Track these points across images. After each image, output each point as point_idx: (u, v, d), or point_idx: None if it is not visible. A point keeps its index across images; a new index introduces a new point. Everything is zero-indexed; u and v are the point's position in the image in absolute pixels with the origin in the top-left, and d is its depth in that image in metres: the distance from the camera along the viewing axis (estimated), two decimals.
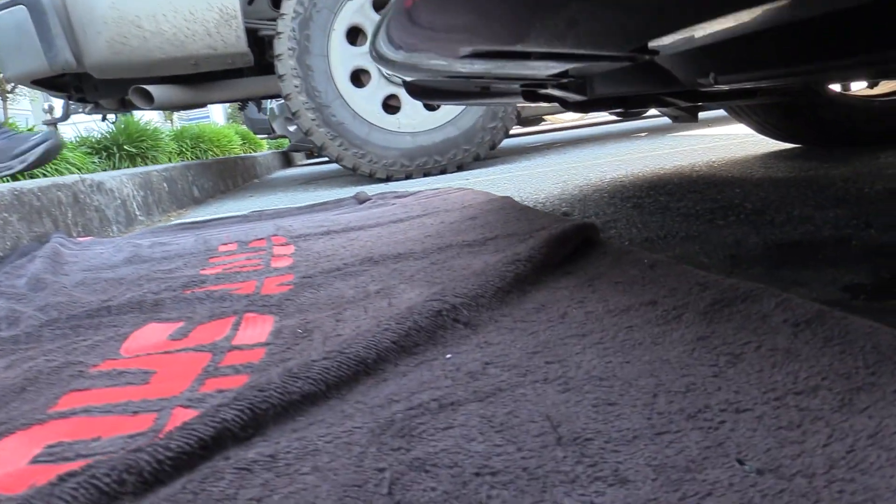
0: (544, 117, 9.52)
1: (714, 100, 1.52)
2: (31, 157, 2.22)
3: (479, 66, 0.76)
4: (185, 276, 1.15)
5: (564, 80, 1.18)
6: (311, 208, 2.04)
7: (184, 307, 0.92)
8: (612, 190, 1.76)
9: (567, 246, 0.83)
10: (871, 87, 1.88)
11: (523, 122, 8.95)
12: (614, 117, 7.65)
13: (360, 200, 1.98)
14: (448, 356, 0.56)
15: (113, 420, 0.56)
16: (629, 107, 1.56)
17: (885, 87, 1.88)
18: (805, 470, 0.32)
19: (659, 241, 1.06)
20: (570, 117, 9.53)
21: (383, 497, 0.36)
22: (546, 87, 1.35)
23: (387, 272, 0.95)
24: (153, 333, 0.82)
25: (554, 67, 0.77)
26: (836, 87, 1.92)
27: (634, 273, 0.72)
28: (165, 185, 3.13)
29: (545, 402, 0.45)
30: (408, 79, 1.17)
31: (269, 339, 0.72)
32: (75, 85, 3.58)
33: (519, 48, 0.67)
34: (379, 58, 0.94)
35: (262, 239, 1.56)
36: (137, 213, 2.70)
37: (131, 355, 0.74)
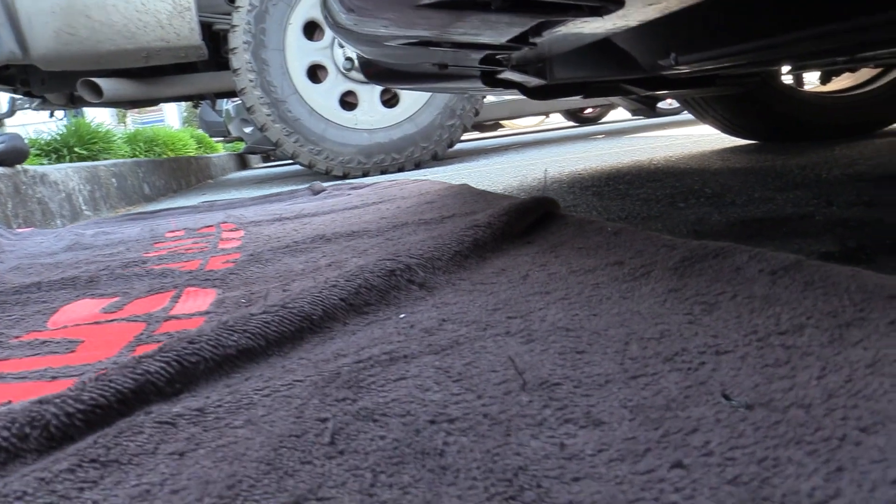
0: (503, 123, 9.55)
1: (674, 87, 1.51)
2: None
3: (436, 20, 0.72)
4: (126, 259, 1.08)
5: (521, 54, 1.15)
6: (265, 199, 1.98)
7: (121, 283, 0.86)
8: (572, 181, 1.74)
9: (528, 217, 0.80)
10: (823, 83, 1.90)
11: (482, 128, 8.97)
12: (573, 123, 7.71)
13: (315, 191, 1.92)
14: (402, 315, 0.52)
15: (28, 386, 0.50)
16: (590, 94, 1.54)
17: (837, 83, 1.90)
18: (800, 401, 0.29)
19: (620, 222, 1.04)
20: (530, 122, 9.57)
21: (324, 447, 0.32)
22: (505, 70, 1.31)
23: (339, 248, 0.90)
24: (85, 308, 0.76)
25: (515, 23, 0.73)
26: (789, 82, 1.94)
27: (598, 240, 0.69)
28: (114, 180, 3.03)
29: (507, 352, 0.41)
30: (362, 53, 1.13)
31: (209, 308, 0.67)
32: (21, 78, 3.45)
33: None
34: (333, 24, 0.89)
35: (211, 226, 1.49)
36: (83, 207, 2.60)
37: (58, 327, 0.67)
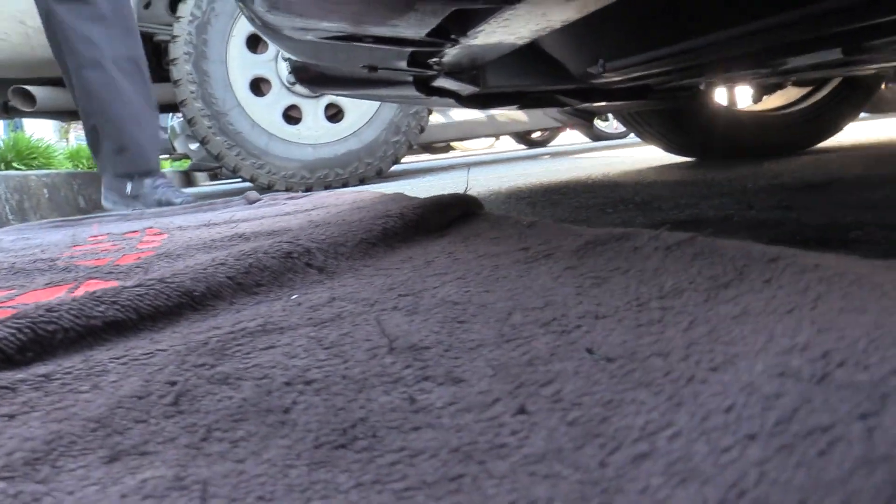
0: (454, 146, 9.59)
1: (607, 98, 1.52)
2: None
3: (347, 7, 0.70)
4: (37, 259, 1.03)
5: (453, 60, 1.15)
6: (197, 207, 1.93)
7: (20, 278, 0.82)
8: (509, 193, 1.74)
9: (445, 212, 0.78)
10: (755, 101, 1.95)
11: (432, 150, 8.98)
12: (523, 146, 7.79)
13: (251, 200, 1.88)
14: (294, 296, 0.50)
15: None
16: (525, 105, 1.54)
17: (769, 102, 1.95)
18: (661, 352, 0.28)
19: None
20: (481, 145, 9.63)
21: (165, 407, 0.29)
22: (438, 77, 1.31)
23: (255, 245, 0.87)
24: None
25: (426, 10, 0.72)
26: (723, 102, 1.98)
27: (511, 231, 0.68)
28: (46, 191, 2.93)
29: (388, 324, 0.39)
30: (287, 52, 1.11)
31: None
32: None
33: None
34: (251, 18, 0.87)
35: (136, 231, 1.44)
36: (10, 216, 2.50)
37: None
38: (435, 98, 1.48)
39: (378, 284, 0.51)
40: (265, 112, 3.01)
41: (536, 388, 0.26)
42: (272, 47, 3.03)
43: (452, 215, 0.81)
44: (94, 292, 0.43)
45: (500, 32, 0.91)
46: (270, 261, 0.53)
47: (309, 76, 1.41)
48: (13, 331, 0.37)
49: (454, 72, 1.29)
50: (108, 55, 2.28)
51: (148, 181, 2.43)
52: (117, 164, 2.42)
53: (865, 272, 0.29)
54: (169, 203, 2.31)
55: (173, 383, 0.32)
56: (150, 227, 1.46)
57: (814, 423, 0.18)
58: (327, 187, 3.03)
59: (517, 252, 0.56)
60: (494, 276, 0.49)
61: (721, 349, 0.25)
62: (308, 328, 0.40)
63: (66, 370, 0.35)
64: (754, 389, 0.21)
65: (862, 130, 2.99)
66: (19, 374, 0.35)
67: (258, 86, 3.05)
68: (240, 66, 2.98)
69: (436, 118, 5.47)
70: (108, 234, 1.44)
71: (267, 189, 3.02)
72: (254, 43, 2.99)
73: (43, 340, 0.38)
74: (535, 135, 7.52)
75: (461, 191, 1.18)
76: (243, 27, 2.94)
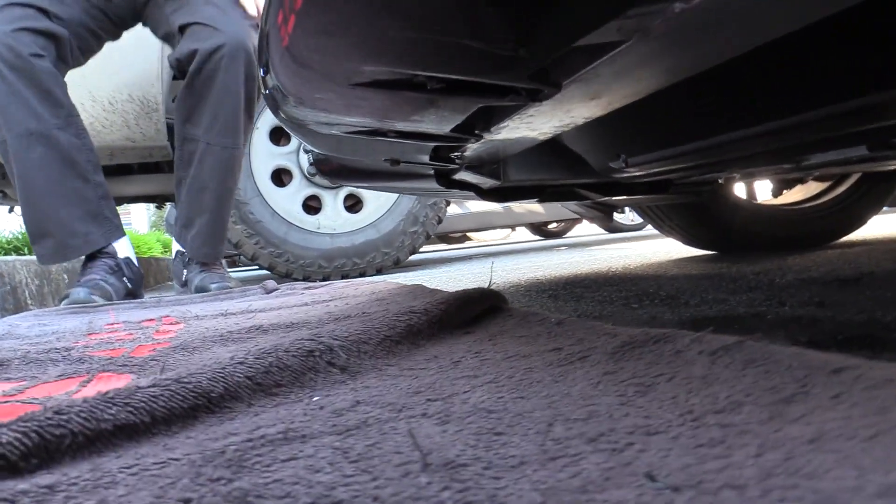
0: (470, 236, 9.67)
1: (628, 192, 1.52)
2: None
3: (373, 103, 0.71)
4: (50, 346, 1.01)
5: (475, 154, 1.15)
6: (215, 296, 1.92)
7: (33, 368, 0.80)
8: (529, 286, 1.72)
9: (469, 308, 0.76)
10: (775, 196, 1.94)
11: (449, 240, 9.05)
12: (538, 237, 7.83)
13: (268, 290, 1.87)
14: (315, 398, 0.47)
15: None
16: (545, 198, 1.54)
17: (789, 196, 1.94)
18: (733, 482, 0.25)
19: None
20: (497, 235, 9.70)
21: None
22: (459, 170, 1.31)
23: (274, 338, 0.85)
24: None
25: (454, 108, 0.72)
26: (742, 195, 1.98)
27: (540, 329, 0.65)
28: (66, 276, 2.94)
29: (418, 434, 0.36)
30: (311, 146, 1.12)
31: None
32: None
33: (422, 73, 0.62)
34: (277, 111, 0.88)
35: (152, 319, 1.43)
36: (29, 301, 2.50)
37: None
38: (455, 191, 1.48)
39: (404, 387, 0.48)
40: (285, 202, 3.05)
41: None
42: (294, 139, 3.10)
43: (477, 311, 0.79)
44: (107, 393, 0.40)
45: (524, 128, 0.91)
46: (291, 359, 0.51)
47: (331, 168, 1.42)
48: (18, 435, 0.35)
49: (475, 165, 1.30)
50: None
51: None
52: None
53: None
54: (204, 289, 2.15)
55: (187, 501, 0.29)
56: (167, 316, 1.45)
57: None
58: (344, 276, 3.02)
59: (549, 353, 0.53)
60: (528, 381, 0.46)
61: (805, 485, 0.22)
62: (332, 437, 0.37)
63: (71, 481, 0.32)
64: None
65: (885, 224, 2.97)
66: (21, 485, 0.32)
67: (279, 176, 3.10)
68: (262, 157, 3.05)
69: (453, 208, 5.53)
70: (124, 321, 1.43)
71: (285, 277, 3.02)
72: (276, 135, 3.06)
73: (50, 446, 0.35)
74: (552, 226, 7.57)
75: (483, 284, 1.16)
76: (267, 120, 3.02)
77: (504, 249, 5.51)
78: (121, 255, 2.22)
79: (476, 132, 0.89)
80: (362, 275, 3.05)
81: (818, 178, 1.86)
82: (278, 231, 3.02)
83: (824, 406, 0.29)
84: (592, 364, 0.47)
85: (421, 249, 3.37)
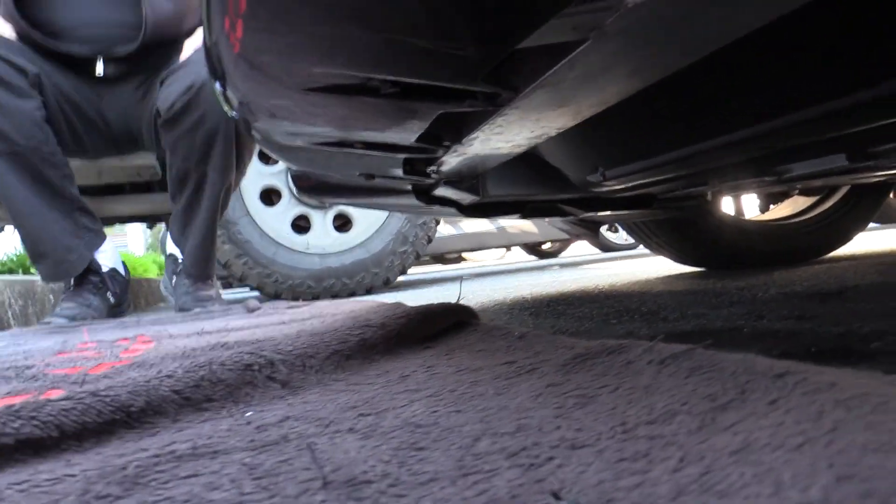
0: (465, 257, 9.65)
1: (610, 208, 1.50)
2: None
3: (331, 111, 0.68)
4: (12, 365, 0.99)
5: (452, 169, 1.13)
6: (196, 315, 1.89)
7: None
8: (513, 303, 1.70)
9: (432, 322, 0.74)
10: (762, 211, 1.92)
11: (444, 260, 9.02)
12: (533, 257, 7.81)
13: (250, 308, 1.85)
14: (248, 413, 0.44)
15: None
16: (527, 214, 1.52)
17: (776, 212, 1.92)
18: (643, 501, 0.22)
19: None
20: (492, 256, 9.68)
21: None
22: (437, 187, 1.29)
23: (232, 353, 0.82)
24: None
25: (411, 114, 0.70)
26: (730, 211, 1.96)
27: (501, 343, 0.63)
28: (51, 296, 2.91)
29: (335, 450, 0.34)
30: (279, 157, 1.10)
31: None
32: None
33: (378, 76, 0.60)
34: (245, 127, 0.86)
35: (126, 338, 1.40)
36: (13, 322, 2.47)
37: None
38: (437, 207, 1.46)
39: (342, 402, 0.46)
40: (274, 222, 3.03)
41: None
42: None
43: (441, 326, 0.76)
44: (12, 406, 0.38)
45: (496, 140, 0.89)
46: (227, 373, 0.48)
47: (309, 185, 1.40)
48: None
49: (454, 181, 1.28)
50: None
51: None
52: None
53: (892, 394, 0.24)
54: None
55: None
56: (142, 335, 1.42)
57: None
58: (334, 297, 2.99)
59: (501, 366, 0.51)
60: (470, 394, 0.43)
61: (714, 503, 0.20)
62: (245, 453, 0.34)
63: None
64: None
65: (872, 240, 2.95)
66: None
67: (269, 196, 3.08)
68: (251, 176, 3.02)
69: (447, 229, 5.51)
70: (98, 341, 1.40)
71: (274, 298, 2.99)
72: (266, 154, 3.04)
73: None
74: (546, 246, 7.55)
75: (467, 302, 1.13)
76: None
77: (496, 269, 5.49)
78: (106, 265, 2.22)
79: (445, 143, 0.87)
80: (352, 295, 3.02)
81: (805, 193, 1.84)
82: (267, 251, 2.99)
83: (759, 413, 0.26)
84: (540, 376, 0.45)
85: (415, 270, 3.35)
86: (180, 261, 2.25)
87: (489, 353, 0.59)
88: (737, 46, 0.57)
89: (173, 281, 2.30)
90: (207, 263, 2.25)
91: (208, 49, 0.72)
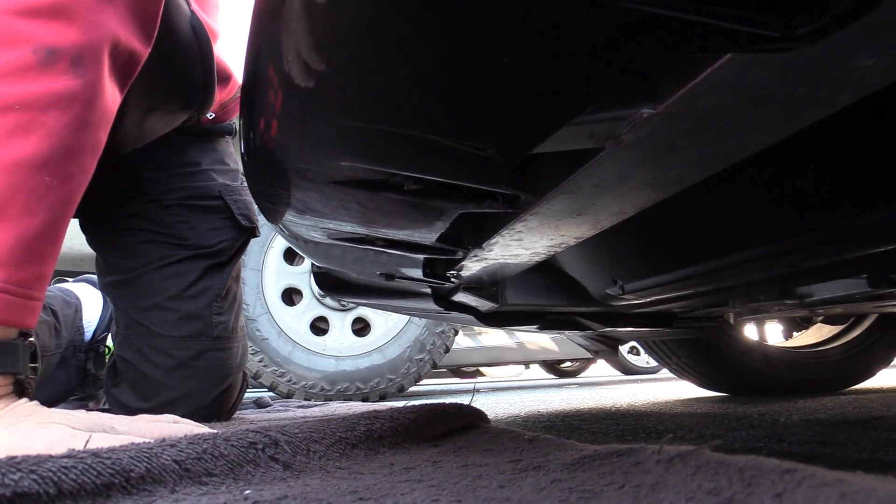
0: (483, 372, 9.53)
1: (630, 324, 1.49)
2: None
3: (355, 207, 0.71)
4: None
5: (472, 276, 1.14)
6: None
7: None
8: (527, 417, 1.66)
9: (442, 421, 0.73)
10: (786, 338, 1.90)
11: (461, 374, 8.92)
12: (552, 375, 7.70)
13: (261, 405, 1.83)
14: (247, 492, 0.44)
15: None
16: (545, 326, 1.51)
17: (801, 339, 1.90)
18: None
19: None
20: (510, 372, 9.56)
21: None
22: (456, 292, 1.30)
23: (238, 430, 0.81)
24: None
25: (432, 212, 0.72)
26: (754, 337, 1.94)
27: (509, 444, 0.62)
28: None
29: None
30: (305, 254, 1.12)
31: None
32: None
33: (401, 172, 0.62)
34: (270, 220, 0.88)
35: None
36: None
37: None
38: (455, 314, 1.47)
39: (343, 487, 0.45)
40: (293, 321, 3.04)
41: None
42: (308, 260, 3.13)
43: (451, 426, 0.75)
44: (15, 458, 0.38)
45: (515, 246, 0.90)
46: (230, 449, 0.47)
47: (330, 282, 1.42)
48: None
49: (474, 287, 1.29)
50: None
51: None
52: None
53: None
54: None
55: None
56: None
57: None
58: (347, 400, 2.95)
59: (507, 463, 0.50)
60: (472, 486, 0.42)
61: None
62: None
63: None
64: None
65: None
66: None
67: (290, 295, 3.11)
68: (274, 275, 3.07)
69: (466, 342, 5.47)
70: None
71: (286, 398, 2.95)
72: (291, 255, 3.09)
73: None
74: (566, 365, 7.45)
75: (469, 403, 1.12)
76: (283, 239, 3.06)
77: (513, 385, 5.41)
78: None
79: (466, 246, 0.89)
80: (365, 400, 2.98)
81: (829, 321, 1.82)
82: (283, 350, 2.99)
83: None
84: (546, 472, 0.44)
85: (431, 381, 3.31)
86: None
87: (497, 452, 0.58)
88: (752, 161, 0.58)
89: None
90: None
91: (246, 151, 0.75)
